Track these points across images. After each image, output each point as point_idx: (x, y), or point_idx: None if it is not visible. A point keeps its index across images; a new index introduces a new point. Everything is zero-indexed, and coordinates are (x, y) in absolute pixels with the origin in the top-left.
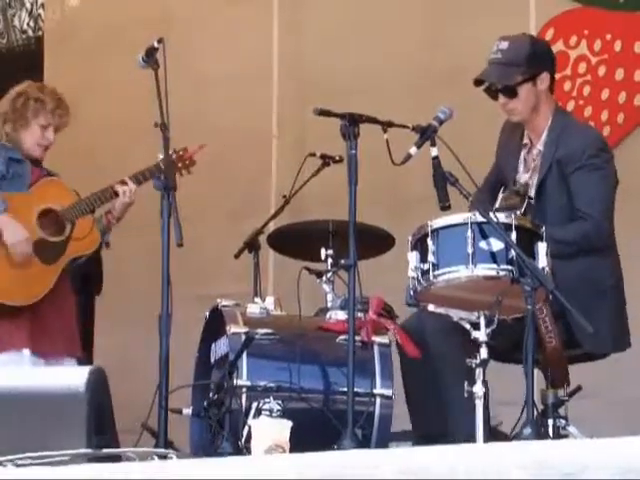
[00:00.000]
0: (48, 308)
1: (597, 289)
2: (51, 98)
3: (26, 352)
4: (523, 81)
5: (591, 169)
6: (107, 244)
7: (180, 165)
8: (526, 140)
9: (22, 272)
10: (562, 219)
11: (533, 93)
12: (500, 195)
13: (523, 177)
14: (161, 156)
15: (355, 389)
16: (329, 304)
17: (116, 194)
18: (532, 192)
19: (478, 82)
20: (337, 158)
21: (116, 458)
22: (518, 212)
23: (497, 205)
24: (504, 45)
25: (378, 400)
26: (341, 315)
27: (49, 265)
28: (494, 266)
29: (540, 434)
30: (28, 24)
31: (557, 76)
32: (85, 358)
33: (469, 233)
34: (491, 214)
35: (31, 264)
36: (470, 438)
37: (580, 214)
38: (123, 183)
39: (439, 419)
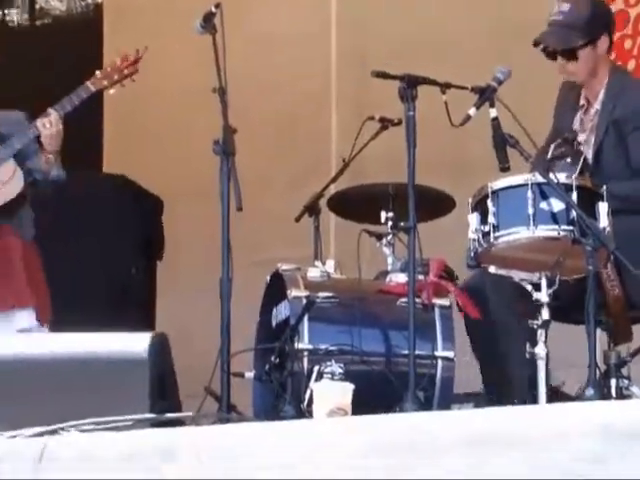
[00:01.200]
0: None
1: None
2: None
3: None
4: (584, 44)
5: None
6: (60, 178)
7: (117, 77)
8: (583, 101)
9: None
10: (620, 179)
11: (592, 56)
12: (551, 146)
13: (580, 137)
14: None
15: (416, 352)
16: (389, 267)
17: (37, 129)
18: (590, 153)
19: (537, 43)
20: (396, 121)
21: (179, 422)
22: (570, 159)
23: (549, 156)
24: (565, 7)
25: (440, 362)
26: (401, 278)
27: None
28: (555, 227)
29: (603, 394)
30: None
31: (617, 35)
32: (53, 312)
33: (529, 194)
34: (551, 175)
35: None
36: (532, 399)
37: (638, 172)
38: (44, 115)
39: (504, 378)
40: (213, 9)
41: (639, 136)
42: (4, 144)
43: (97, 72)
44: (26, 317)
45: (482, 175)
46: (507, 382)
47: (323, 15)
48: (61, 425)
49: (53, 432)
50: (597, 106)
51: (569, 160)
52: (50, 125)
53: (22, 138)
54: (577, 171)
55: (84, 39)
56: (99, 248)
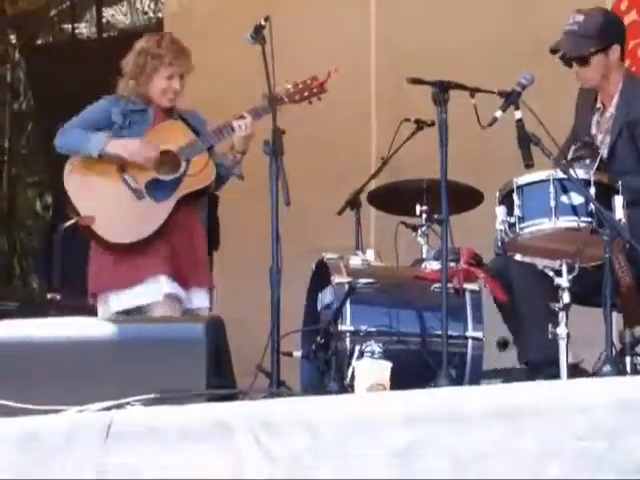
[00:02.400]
0: (178, 239)
1: None
2: (169, 50)
3: (162, 278)
4: (595, 52)
5: None
6: (241, 177)
7: (307, 94)
8: (599, 104)
9: (133, 210)
10: (633, 175)
11: (603, 63)
12: (571, 148)
13: (597, 138)
14: (289, 86)
15: (449, 332)
16: (424, 255)
17: (233, 129)
18: (605, 152)
19: (554, 51)
20: (429, 122)
21: (234, 397)
22: (588, 160)
23: (569, 157)
24: (579, 18)
25: (470, 342)
26: (435, 265)
27: (160, 202)
28: (575, 218)
29: (619, 371)
30: (149, 6)
31: (632, 43)
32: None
33: (551, 189)
34: (571, 171)
35: (142, 202)
36: (554, 375)
37: None
38: (240, 117)
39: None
40: (262, 22)
41: None
42: (200, 137)
43: (288, 85)
44: (202, 297)
45: (507, 171)
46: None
47: (362, 28)
48: (127, 400)
49: (119, 406)
50: (612, 110)
51: (587, 162)
52: (245, 128)
53: (217, 135)
54: (594, 168)
55: None
56: None
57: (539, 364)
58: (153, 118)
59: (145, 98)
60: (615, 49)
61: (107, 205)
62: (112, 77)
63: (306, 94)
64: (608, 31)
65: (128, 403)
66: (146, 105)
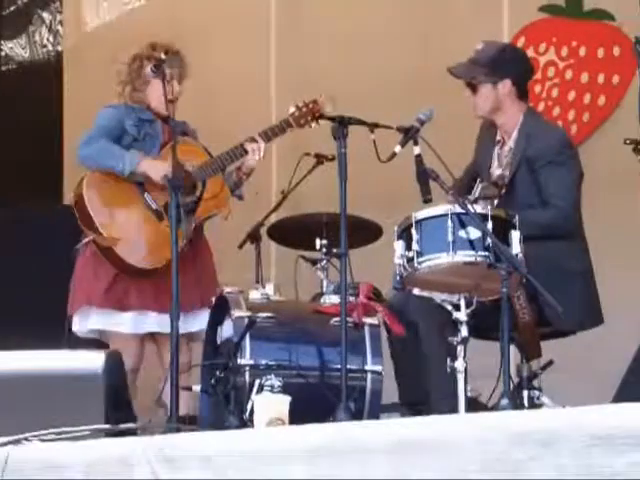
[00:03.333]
0: (187, 265)
1: (566, 273)
2: (164, 53)
3: (152, 314)
4: (484, 81)
5: (558, 164)
6: (241, 197)
7: (310, 118)
8: (499, 137)
9: (154, 233)
10: (531, 209)
11: (493, 94)
12: (479, 186)
13: (496, 171)
14: (292, 109)
15: (348, 366)
16: (324, 289)
17: (246, 152)
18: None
19: (450, 71)
20: (329, 157)
21: (132, 432)
22: (496, 201)
23: (476, 195)
24: (479, 46)
25: (369, 376)
26: (334, 299)
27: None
28: (472, 253)
29: (516, 404)
30: (48, 39)
31: (548, 83)
32: None
33: (449, 223)
34: (469, 206)
35: (162, 225)
36: (452, 409)
37: (550, 204)
38: (253, 140)
39: (423, 391)
40: (162, 56)
41: (548, 171)
42: (214, 158)
43: (292, 109)
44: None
45: (408, 206)
46: (427, 393)
47: (263, 60)
48: (24, 435)
49: (16, 442)
50: (511, 144)
51: (496, 202)
52: (259, 152)
53: (231, 156)
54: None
55: (46, 83)
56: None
57: (437, 398)
58: (162, 133)
59: (144, 105)
60: (505, 83)
61: (129, 225)
62: (10, 109)
63: (309, 118)
64: (500, 64)
65: (25, 439)
66: (149, 113)
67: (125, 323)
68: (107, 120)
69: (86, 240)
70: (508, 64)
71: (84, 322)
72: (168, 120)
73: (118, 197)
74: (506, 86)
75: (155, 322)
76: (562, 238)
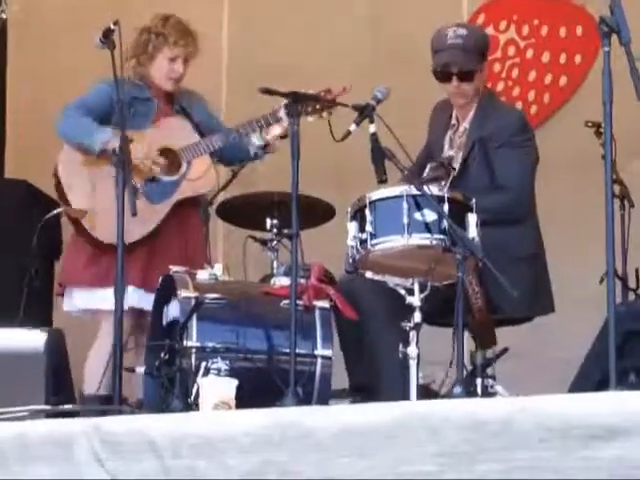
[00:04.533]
0: (171, 244)
1: (516, 257)
2: (174, 30)
3: (130, 289)
4: (479, 68)
5: (513, 146)
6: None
7: (320, 107)
8: (454, 121)
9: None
10: (484, 193)
11: (481, 79)
12: (427, 167)
13: (448, 153)
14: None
15: (297, 350)
16: (274, 271)
17: (277, 120)
18: (456, 167)
19: (443, 65)
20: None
21: (73, 414)
22: (443, 182)
23: (425, 176)
24: (462, 32)
25: (319, 360)
26: (285, 281)
27: (155, 204)
28: (428, 235)
29: (469, 392)
30: None
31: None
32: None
33: (405, 205)
34: (425, 187)
35: (137, 202)
36: (404, 396)
37: (502, 187)
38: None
39: (374, 377)
40: (112, 26)
41: (503, 153)
42: (204, 139)
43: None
44: None
45: (361, 186)
46: (378, 379)
47: (215, 35)
48: None
49: None
50: (466, 125)
51: (443, 183)
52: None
53: (222, 138)
54: (448, 184)
55: None
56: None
57: (388, 385)
58: (156, 111)
59: (146, 80)
60: (486, 66)
61: (101, 200)
62: None
63: (319, 107)
64: (486, 49)
65: None
66: (149, 90)
67: (108, 299)
68: (93, 97)
69: (56, 211)
70: (488, 44)
71: (71, 301)
72: (171, 98)
73: (93, 171)
74: (486, 68)
75: (136, 297)
76: (513, 222)
